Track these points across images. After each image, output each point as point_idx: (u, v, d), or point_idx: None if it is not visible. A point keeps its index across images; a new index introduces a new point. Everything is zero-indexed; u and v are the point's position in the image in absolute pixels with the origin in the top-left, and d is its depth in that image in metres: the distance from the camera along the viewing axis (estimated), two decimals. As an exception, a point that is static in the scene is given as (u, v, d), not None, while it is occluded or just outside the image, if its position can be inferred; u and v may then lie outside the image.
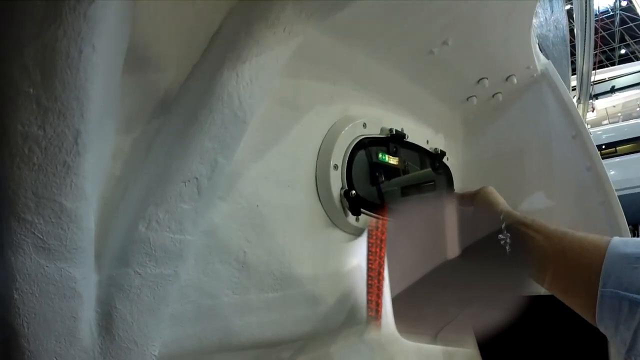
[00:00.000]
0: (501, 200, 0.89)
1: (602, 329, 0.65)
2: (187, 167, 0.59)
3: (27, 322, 0.48)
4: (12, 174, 0.45)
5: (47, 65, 0.43)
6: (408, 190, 1.11)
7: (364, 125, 1.06)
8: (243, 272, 0.80)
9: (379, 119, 1.13)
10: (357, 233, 1.06)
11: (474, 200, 0.92)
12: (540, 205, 1.48)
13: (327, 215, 0.99)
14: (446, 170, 1.40)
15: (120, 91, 0.57)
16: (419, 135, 1.31)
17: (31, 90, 0.43)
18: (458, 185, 1.47)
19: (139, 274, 0.57)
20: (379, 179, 1.10)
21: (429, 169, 1.32)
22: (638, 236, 5.00)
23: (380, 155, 1.09)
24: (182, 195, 0.59)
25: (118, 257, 0.56)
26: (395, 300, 1.33)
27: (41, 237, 0.47)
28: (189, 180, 0.59)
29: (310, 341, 1.03)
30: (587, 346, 1.32)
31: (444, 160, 1.37)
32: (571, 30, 5.92)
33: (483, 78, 1.33)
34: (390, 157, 1.14)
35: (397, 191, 1.18)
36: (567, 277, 0.72)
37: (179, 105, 0.64)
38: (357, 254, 1.08)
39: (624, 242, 0.66)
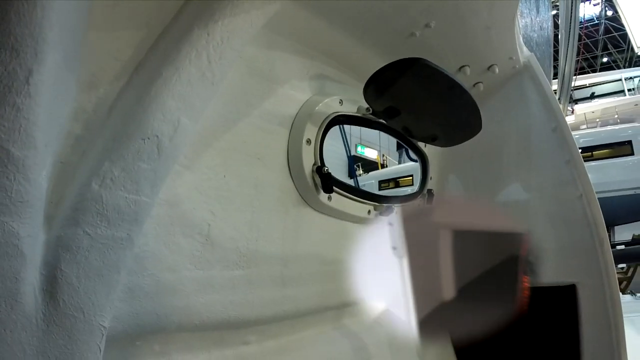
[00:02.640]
0: None
1: None
2: (148, 124, 0.56)
3: None
4: None
5: None
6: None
7: (340, 102, 1.03)
8: (207, 246, 0.77)
9: (355, 97, 1.10)
10: (330, 213, 1.03)
11: None
12: (518, 197, 1.48)
13: (298, 192, 0.96)
14: (423, 158, 1.39)
15: (86, 49, 0.54)
16: None
17: None
18: (435, 174, 1.46)
19: (89, 235, 0.53)
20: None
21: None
22: (613, 238, 5.13)
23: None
24: (140, 153, 0.55)
25: (67, 216, 0.52)
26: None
27: None
28: (148, 138, 0.56)
29: (278, 325, 1.00)
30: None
31: (422, 147, 1.36)
32: (555, 37, 6.01)
33: (464, 66, 1.31)
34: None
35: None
36: None
37: (146, 64, 0.61)
38: (329, 236, 1.06)
39: None
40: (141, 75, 0.61)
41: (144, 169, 0.56)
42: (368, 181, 6.66)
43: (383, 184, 6.52)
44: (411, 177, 5.68)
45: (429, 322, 1.39)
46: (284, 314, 0.95)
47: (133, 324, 0.68)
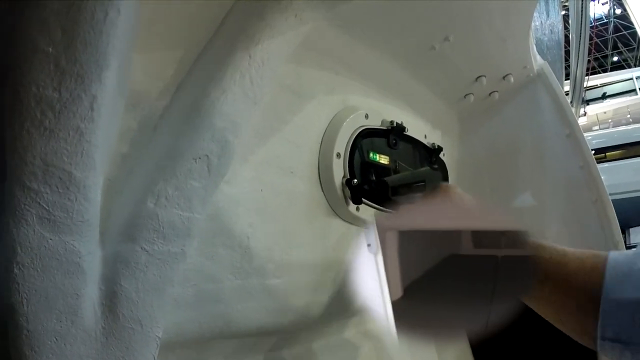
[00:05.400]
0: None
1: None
2: (199, 144, 0.59)
3: (27, 299, 0.45)
4: (21, 139, 0.42)
5: (69, 24, 0.40)
6: (399, 189, 1.11)
7: (366, 116, 1.07)
8: (245, 257, 0.80)
9: (379, 110, 1.14)
10: (357, 223, 1.06)
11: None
12: (532, 201, 1.51)
13: (328, 203, 1.00)
14: (442, 166, 1.42)
15: (130, 67, 0.56)
16: (417, 129, 1.32)
17: (50, 50, 0.40)
18: (452, 181, 1.49)
19: (146, 251, 0.55)
20: (369, 177, 1.10)
21: (426, 168, 1.33)
22: (628, 240, 5.06)
23: (371, 155, 1.10)
24: (192, 172, 0.58)
25: (124, 233, 0.55)
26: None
27: (46, 207, 0.45)
28: (199, 158, 0.59)
29: (308, 331, 1.03)
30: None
31: (441, 155, 1.39)
32: (565, 37, 5.98)
33: (481, 76, 1.34)
34: (381, 156, 1.14)
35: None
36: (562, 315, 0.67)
37: (188, 84, 0.64)
38: (356, 244, 1.09)
39: (619, 280, 0.59)
40: (184, 94, 0.63)
41: (196, 187, 0.59)
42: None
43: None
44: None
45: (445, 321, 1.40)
46: (313, 320, 0.98)
47: (176, 332, 0.70)
